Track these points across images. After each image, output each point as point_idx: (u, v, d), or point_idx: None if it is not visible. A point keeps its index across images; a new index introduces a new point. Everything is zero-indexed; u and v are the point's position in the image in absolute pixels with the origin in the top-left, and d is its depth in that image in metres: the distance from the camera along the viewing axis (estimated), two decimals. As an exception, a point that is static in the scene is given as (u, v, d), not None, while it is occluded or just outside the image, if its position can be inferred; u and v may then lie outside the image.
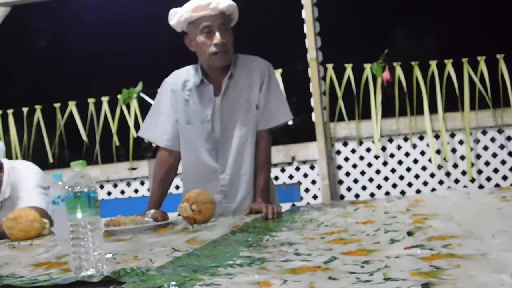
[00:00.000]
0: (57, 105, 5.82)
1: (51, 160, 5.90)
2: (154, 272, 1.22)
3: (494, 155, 5.12)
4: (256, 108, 2.69)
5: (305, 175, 5.41)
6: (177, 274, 1.20)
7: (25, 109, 5.89)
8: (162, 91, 2.84)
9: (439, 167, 5.20)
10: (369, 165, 5.31)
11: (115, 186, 5.78)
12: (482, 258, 1.17)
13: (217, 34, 2.57)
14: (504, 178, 5.08)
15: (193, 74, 2.74)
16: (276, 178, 5.38)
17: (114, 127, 5.67)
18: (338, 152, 5.35)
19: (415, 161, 5.25)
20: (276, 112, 2.72)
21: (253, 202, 2.67)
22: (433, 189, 5.15)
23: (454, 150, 5.19)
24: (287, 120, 2.77)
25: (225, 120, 2.68)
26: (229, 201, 2.71)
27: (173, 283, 1.12)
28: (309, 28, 5.30)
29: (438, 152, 5.18)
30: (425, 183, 5.22)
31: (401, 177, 5.27)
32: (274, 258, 1.36)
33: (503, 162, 5.10)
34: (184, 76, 2.77)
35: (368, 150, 5.31)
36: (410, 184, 5.25)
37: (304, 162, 5.41)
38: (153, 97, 5.66)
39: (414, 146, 5.24)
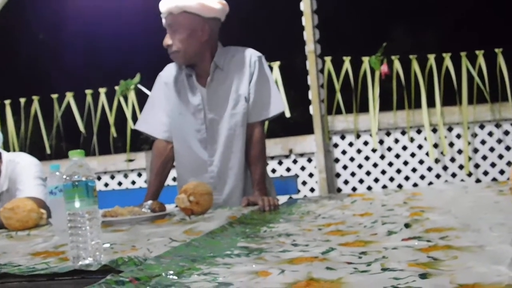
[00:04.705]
0: (54, 96, 5.81)
1: (48, 151, 5.90)
2: (152, 262, 1.22)
3: (492, 149, 5.12)
4: (245, 100, 2.68)
5: (303, 168, 5.41)
6: (175, 264, 1.20)
7: (22, 100, 5.88)
8: (156, 84, 2.89)
9: (437, 161, 5.20)
10: (367, 158, 5.32)
11: (112, 177, 5.77)
12: (479, 250, 1.18)
13: (166, 37, 2.64)
14: (501, 172, 5.09)
15: (185, 66, 2.75)
16: (274, 170, 5.38)
17: (111, 119, 5.66)
18: (336, 145, 5.35)
19: (413, 155, 5.25)
20: (268, 103, 2.72)
21: (245, 195, 2.68)
22: (430, 183, 5.16)
23: (451, 144, 5.20)
24: (279, 111, 2.75)
25: (213, 111, 2.69)
26: (218, 194, 2.69)
27: (171, 272, 1.13)
28: (308, 21, 5.30)
29: (435, 146, 5.19)
30: (422, 177, 5.23)
31: (398, 171, 5.27)
32: (271, 248, 1.37)
33: (500, 157, 5.11)
34: (177, 69, 2.80)
35: (366, 143, 5.31)
36: (407, 178, 5.26)
37: (301, 155, 5.41)
38: (150, 89, 5.64)
39: (412, 139, 5.24)
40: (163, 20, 2.66)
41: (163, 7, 2.62)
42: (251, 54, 2.72)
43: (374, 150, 5.28)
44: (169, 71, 2.83)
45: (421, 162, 5.24)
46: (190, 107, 2.71)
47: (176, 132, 2.78)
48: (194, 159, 2.73)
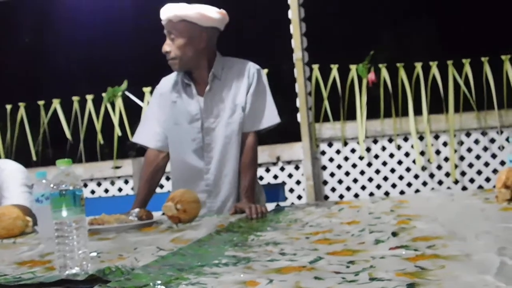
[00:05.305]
0: (41, 102, 5.77)
1: (34, 158, 5.85)
2: (140, 271, 1.22)
3: (478, 157, 5.15)
4: (242, 110, 2.72)
5: (290, 175, 5.41)
6: (163, 273, 1.20)
7: (8, 106, 5.83)
8: (152, 97, 2.95)
9: (423, 168, 5.22)
10: (354, 165, 5.32)
11: (99, 184, 5.74)
12: (466, 259, 1.19)
13: (164, 44, 2.68)
14: (487, 180, 5.12)
15: (182, 76, 2.78)
16: (261, 178, 5.37)
17: (98, 126, 5.63)
18: (323, 153, 5.36)
19: (400, 162, 5.27)
20: (263, 114, 2.77)
21: (238, 202, 2.70)
22: (417, 190, 5.17)
23: (438, 152, 5.22)
24: (274, 123, 2.81)
25: (210, 120, 2.73)
26: (212, 201, 2.75)
27: (159, 282, 1.12)
28: (295, 29, 5.31)
29: (422, 153, 5.21)
30: (409, 184, 5.25)
31: (385, 178, 5.28)
32: (259, 257, 1.36)
33: (486, 164, 5.14)
34: (173, 80, 2.84)
35: (353, 151, 5.33)
36: (394, 185, 5.27)
37: (289, 162, 5.41)
38: (138, 96, 5.64)
39: (399, 147, 5.26)
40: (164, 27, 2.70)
41: (163, 14, 2.66)
42: (250, 66, 2.79)
43: (361, 158, 5.30)
44: (164, 83, 2.88)
45: (408, 169, 5.25)
46: (187, 116, 2.75)
47: (172, 142, 2.82)
48: (189, 167, 2.77)
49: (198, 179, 2.75)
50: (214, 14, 2.66)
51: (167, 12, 2.64)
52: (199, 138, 2.73)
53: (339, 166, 5.34)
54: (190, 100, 2.75)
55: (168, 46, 2.67)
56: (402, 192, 5.20)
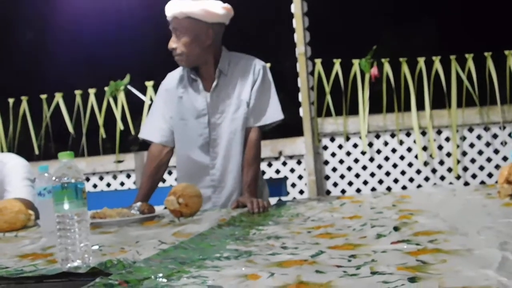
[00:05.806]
0: (43, 96, 5.78)
1: (37, 152, 5.86)
2: (141, 264, 1.22)
3: (480, 152, 5.15)
4: (246, 106, 2.73)
5: (292, 170, 5.41)
6: (164, 266, 1.20)
7: (11, 100, 5.84)
8: (157, 93, 2.95)
9: (425, 163, 5.22)
10: (356, 160, 5.32)
11: (101, 178, 5.75)
12: (468, 253, 1.18)
13: (170, 40, 2.67)
14: (489, 175, 5.11)
15: (188, 71, 2.79)
16: (263, 172, 5.37)
17: (100, 120, 5.64)
18: (325, 148, 5.36)
19: (402, 158, 5.26)
20: (267, 110, 2.78)
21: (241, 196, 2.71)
22: (419, 186, 5.17)
23: (440, 147, 5.22)
24: (277, 119, 2.81)
25: (216, 115, 2.75)
26: (218, 195, 2.77)
27: (160, 275, 1.12)
28: (298, 23, 5.30)
29: (424, 148, 5.21)
30: (411, 180, 5.24)
31: (388, 173, 5.28)
32: (261, 251, 1.36)
33: (489, 160, 5.13)
34: (179, 75, 2.84)
35: (355, 145, 5.32)
36: (396, 180, 5.27)
37: (291, 157, 5.41)
38: (140, 90, 5.64)
39: (401, 142, 5.26)
40: (170, 23, 2.69)
41: (169, 11, 2.65)
42: (256, 63, 2.79)
43: (363, 153, 5.30)
44: (170, 79, 2.88)
45: (410, 164, 5.25)
46: (193, 111, 2.76)
47: (178, 137, 2.83)
48: (195, 163, 2.78)
49: (204, 174, 2.76)
50: (219, 10, 2.65)
51: (172, 9, 2.63)
52: (205, 133, 2.74)
53: (341, 161, 5.34)
54: (197, 96, 2.76)
55: (174, 43, 2.66)
56: (404, 187, 5.20)
